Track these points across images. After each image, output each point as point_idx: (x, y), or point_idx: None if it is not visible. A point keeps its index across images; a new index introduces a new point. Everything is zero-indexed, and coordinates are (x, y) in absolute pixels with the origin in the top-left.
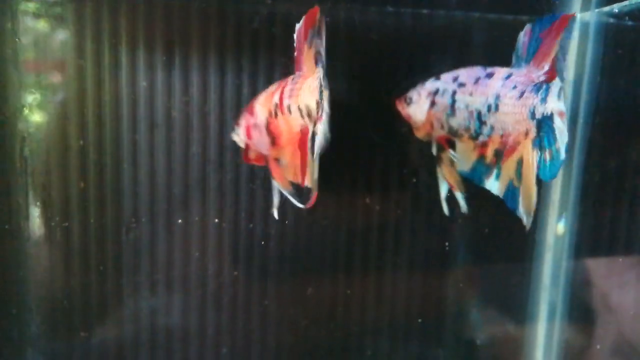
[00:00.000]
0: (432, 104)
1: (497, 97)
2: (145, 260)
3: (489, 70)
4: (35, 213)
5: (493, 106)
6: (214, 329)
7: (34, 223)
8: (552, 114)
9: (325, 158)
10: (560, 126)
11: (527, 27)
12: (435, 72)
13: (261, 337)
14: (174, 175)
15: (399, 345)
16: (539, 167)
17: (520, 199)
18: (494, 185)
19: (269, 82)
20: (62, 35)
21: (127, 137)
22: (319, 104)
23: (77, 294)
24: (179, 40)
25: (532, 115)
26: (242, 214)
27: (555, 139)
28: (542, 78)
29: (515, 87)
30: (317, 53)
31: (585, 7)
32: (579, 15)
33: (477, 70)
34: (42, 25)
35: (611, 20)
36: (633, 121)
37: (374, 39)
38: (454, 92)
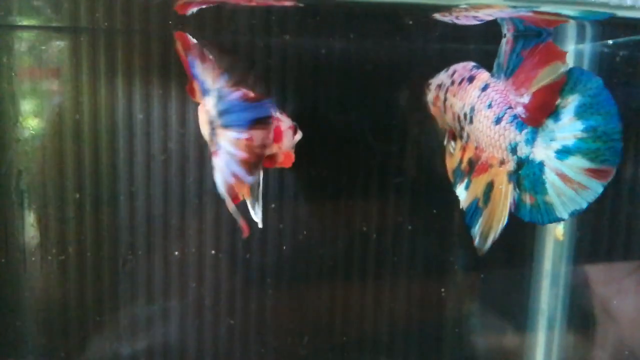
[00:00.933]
0: (436, 96)
1: (472, 109)
2: (142, 292)
3: (474, 72)
4: (31, 246)
5: (468, 117)
6: (211, 358)
7: (31, 256)
8: (541, 164)
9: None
10: (558, 185)
11: (509, 36)
12: None
13: None
14: (170, 207)
15: (397, 353)
16: (517, 206)
17: (480, 220)
18: (462, 193)
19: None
20: (59, 67)
21: (124, 169)
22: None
23: (75, 326)
24: (176, 73)
25: (513, 150)
26: (239, 244)
27: (543, 190)
28: (521, 111)
29: (490, 105)
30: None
31: (580, 40)
32: (573, 47)
33: (467, 69)
34: (38, 57)
35: (605, 50)
36: (628, 137)
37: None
38: (447, 89)
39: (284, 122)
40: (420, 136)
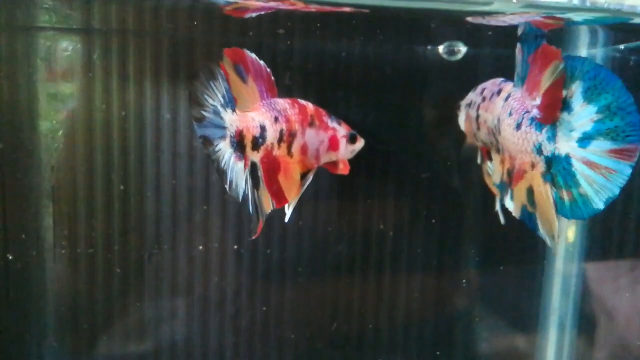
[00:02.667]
0: (467, 115)
1: (498, 120)
2: (167, 285)
3: (501, 85)
4: (61, 240)
5: (497, 128)
6: (232, 352)
7: (60, 249)
8: (568, 157)
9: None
10: (588, 174)
11: (518, 44)
12: None
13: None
14: (194, 203)
15: (410, 353)
16: (556, 204)
17: (539, 223)
18: (510, 205)
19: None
20: (88, 69)
21: (151, 167)
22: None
23: (101, 316)
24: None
25: (539, 151)
26: (260, 240)
27: (576, 183)
28: (536, 112)
29: (510, 113)
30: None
31: (592, 44)
32: (585, 52)
33: (496, 84)
34: (70, 58)
35: (617, 54)
36: None
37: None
38: (478, 106)
39: (340, 131)
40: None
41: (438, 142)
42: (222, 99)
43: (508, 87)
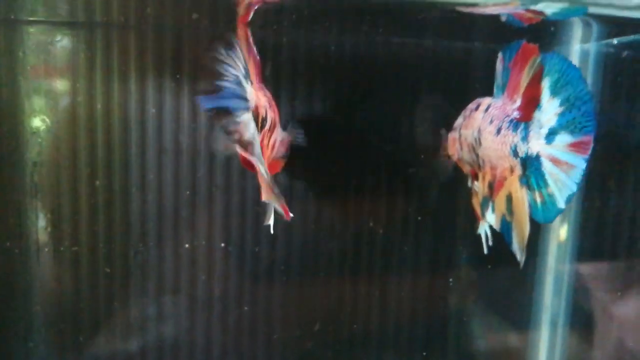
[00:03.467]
0: (452, 140)
1: (479, 131)
2: (152, 283)
3: (479, 100)
4: (45, 237)
5: (477, 140)
6: (220, 350)
7: (44, 247)
8: (538, 156)
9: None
10: (553, 172)
11: (500, 54)
12: None
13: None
14: (181, 200)
15: (402, 352)
16: (531, 207)
17: (513, 235)
18: (491, 218)
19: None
20: (72, 62)
21: (136, 162)
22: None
23: (86, 315)
24: (188, 67)
25: (515, 153)
26: (249, 236)
27: (545, 183)
28: (516, 114)
29: (492, 121)
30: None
31: (585, 39)
32: (579, 46)
33: (474, 102)
34: (51, 51)
35: (611, 49)
36: (632, 140)
37: None
38: (460, 126)
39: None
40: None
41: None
42: (243, 70)
43: (486, 100)
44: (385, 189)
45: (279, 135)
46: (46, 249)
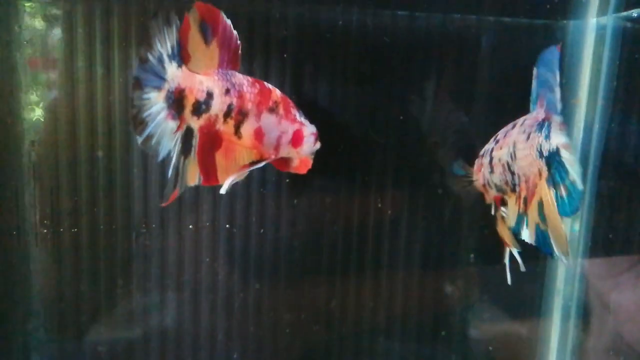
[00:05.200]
0: (479, 166)
1: (514, 145)
2: (155, 266)
3: (517, 120)
4: (44, 219)
5: (513, 154)
6: (224, 335)
7: (43, 229)
8: (557, 148)
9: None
10: (568, 157)
11: (534, 70)
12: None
13: (272, 343)
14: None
15: (410, 345)
16: (558, 205)
17: (552, 241)
18: (525, 234)
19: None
20: (71, 40)
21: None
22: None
23: (86, 300)
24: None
25: (540, 154)
26: (253, 219)
27: (566, 172)
28: (542, 115)
29: (524, 131)
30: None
31: (602, 11)
32: (595, 20)
33: (510, 124)
34: (51, 29)
35: (628, 24)
36: None
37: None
38: (492, 150)
39: (307, 128)
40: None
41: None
42: (169, 49)
43: (523, 117)
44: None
45: (270, 125)
46: (44, 230)
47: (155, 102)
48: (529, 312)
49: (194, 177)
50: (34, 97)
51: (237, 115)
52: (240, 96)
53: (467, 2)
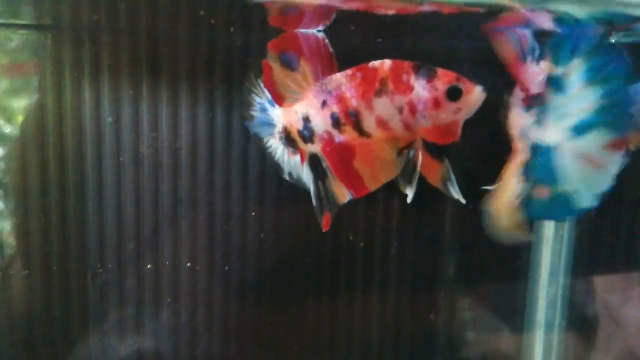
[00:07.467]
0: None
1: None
2: (113, 308)
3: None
4: None
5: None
6: None
7: None
8: (554, 148)
9: None
10: (581, 168)
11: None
12: None
13: None
14: (142, 217)
15: (387, 353)
16: (526, 203)
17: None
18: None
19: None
20: (23, 66)
21: (92, 175)
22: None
23: (40, 344)
24: (147, 72)
25: (524, 135)
26: (217, 255)
27: (562, 179)
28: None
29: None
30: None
31: None
32: None
33: None
34: (9, 54)
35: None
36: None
37: None
38: None
39: (425, 89)
40: None
41: None
42: (269, 95)
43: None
44: None
45: (385, 108)
46: None
47: (277, 147)
48: (512, 328)
49: (343, 195)
50: None
51: (347, 118)
52: (340, 99)
53: None
